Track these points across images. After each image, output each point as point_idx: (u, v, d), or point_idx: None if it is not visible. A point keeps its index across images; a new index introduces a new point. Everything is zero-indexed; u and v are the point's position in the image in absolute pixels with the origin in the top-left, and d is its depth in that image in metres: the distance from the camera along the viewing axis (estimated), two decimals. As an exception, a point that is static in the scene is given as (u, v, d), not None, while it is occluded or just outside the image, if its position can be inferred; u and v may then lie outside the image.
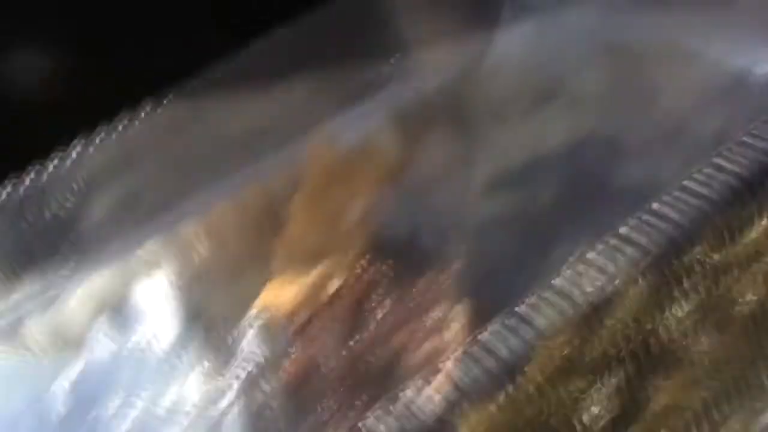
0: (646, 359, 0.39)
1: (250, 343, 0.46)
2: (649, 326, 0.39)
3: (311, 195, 0.50)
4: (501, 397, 0.35)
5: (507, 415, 0.36)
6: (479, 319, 0.42)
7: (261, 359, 0.45)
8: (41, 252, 0.52)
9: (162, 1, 0.64)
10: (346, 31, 0.56)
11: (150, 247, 0.51)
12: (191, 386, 0.46)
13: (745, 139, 0.40)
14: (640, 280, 0.39)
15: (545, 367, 0.38)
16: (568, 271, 0.37)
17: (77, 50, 0.63)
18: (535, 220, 0.47)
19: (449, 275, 0.44)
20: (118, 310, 0.50)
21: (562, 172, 0.49)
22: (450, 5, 0.61)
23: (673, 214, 0.38)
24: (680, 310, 0.40)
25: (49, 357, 0.49)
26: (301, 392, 0.43)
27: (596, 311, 0.38)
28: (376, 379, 0.42)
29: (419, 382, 0.36)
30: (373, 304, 0.44)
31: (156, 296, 0.50)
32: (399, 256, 0.46)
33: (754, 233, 0.41)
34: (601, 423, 0.38)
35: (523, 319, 0.36)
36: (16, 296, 0.50)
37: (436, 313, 0.43)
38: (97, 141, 0.52)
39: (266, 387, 0.44)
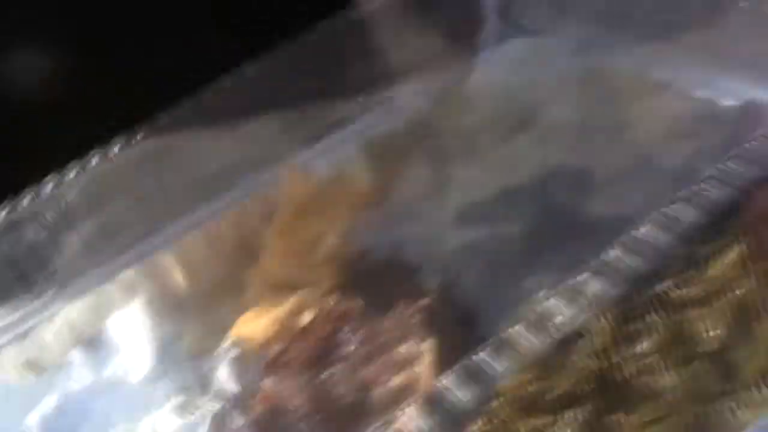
0: (610, 395, 0.39)
1: (223, 376, 0.46)
2: (613, 362, 0.40)
3: (284, 227, 0.51)
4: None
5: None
6: (448, 353, 0.42)
7: (233, 392, 0.45)
8: (17, 284, 0.52)
9: (162, 2, 0.64)
10: (318, 64, 0.56)
11: (125, 279, 0.52)
12: (165, 419, 0.46)
13: (712, 175, 0.40)
14: (604, 316, 0.39)
15: (512, 403, 0.38)
16: (536, 308, 0.37)
17: (77, 50, 0.63)
18: (505, 253, 0.47)
19: (419, 310, 0.44)
20: (93, 342, 0.50)
21: (533, 204, 0.50)
22: (426, 35, 0.61)
23: (639, 250, 0.38)
24: (644, 345, 0.40)
25: (24, 388, 0.50)
26: (271, 427, 0.43)
27: (562, 347, 0.38)
28: (344, 414, 0.42)
29: (387, 420, 0.36)
30: (343, 339, 0.44)
31: (131, 328, 0.50)
32: (370, 290, 0.46)
33: (717, 269, 0.41)
34: (567, 458, 0.38)
35: (491, 356, 0.36)
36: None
37: (405, 348, 0.43)
38: (71, 176, 0.52)
39: (238, 421, 0.44)
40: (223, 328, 0.48)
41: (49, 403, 0.48)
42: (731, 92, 0.50)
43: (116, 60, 0.63)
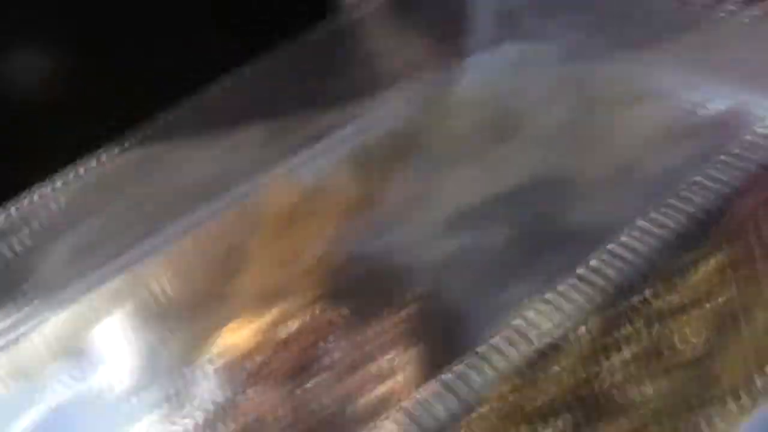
0: (591, 404, 0.39)
1: (206, 386, 0.46)
2: (594, 371, 0.40)
3: (269, 236, 0.51)
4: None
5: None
6: (432, 363, 0.42)
7: (217, 403, 0.45)
8: (3, 293, 0.52)
9: (162, 2, 0.64)
10: (303, 73, 0.56)
11: (110, 289, 0.52)
12: (148, 430, 0.46)
13: (694, 183, 0.41)
14: (585, 326, 0.40)
15: (492, 414, 0.38)
16: (518, 317, 0.37)
17: (77, 50, 0.63)
18: (490, 261, 0.47)
19: (403, 319, 0.44)
20: (78, 352, 0.50)
21: (518, 211, 0.50)
22: (413, 41, 0.61)
23: (621, 259, 0.38)
24: (625, 355, 0.40)
25: (9, 398, 0.50)
26: (255, 438, 0.43)
27: (543, 357, 0.38)
28: (327, 424, 0.42)
29: (369, 430, 0.37)
30: (326, 349, 0.44)
31: (116, 337, 0.50)
32: (354, 300, 0.46)
33: (697, 278, 0.41)
34: (548, 468, 0.38)
35: (473, 366, 0.36)
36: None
37: (388, 358, 0.43)
38: (59, 184, 0.52)
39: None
40: (208, 338, 0.48)
41: (32, 414, 0.48)
42: (714, 99, 0.50)
43: (112, 60, 0.63)
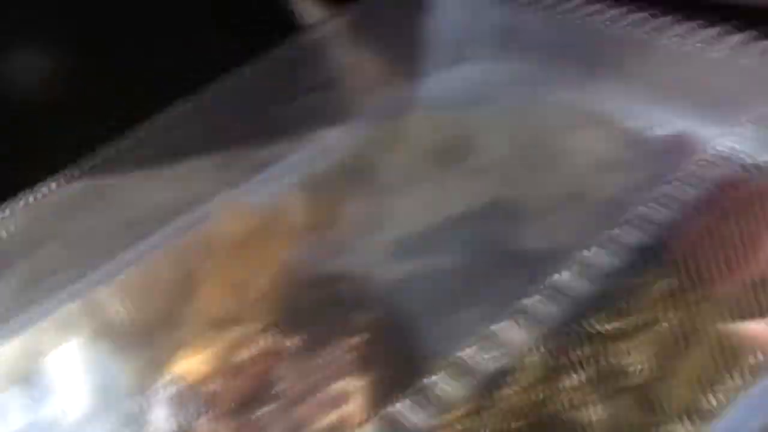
0: (542, 428, 0.39)
1: (159, 414, 0.46)
2: (543, 396, 0.40)
3: (221, 262, 0.51)
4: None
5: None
6: (383, 390, 0.43)
7: (171, 431, 0.45)
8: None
9: (162, 2, 0.64)
10: (258, 97, 0.56)
11: (63, 316, 0.52)
12: (101, 459, 0.46)
13: (642, 208, 0.41)
14: (535, 351, 0.40)
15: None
16: (467, 345, 0.37)
17: (77, 50, 0.63)
18: (442, 287, 0.48)
19: (354, 346, 0.44)
20: (31, 380, 0.50)
21: (469, 237, 0.50)
22: (367, 66, 0.62)
23: (570, 284, 0.39)
24: (574, 379, 0.40)
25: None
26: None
27: (494, 383, 0.39)
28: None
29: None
30: (278, 376, 0.44)
31: (69, 365, 0.50)
32: (306, 327, 0.46)
33: (645, 302, 0.42)
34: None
35: (424, 391, 0.36)
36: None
37: (339, 386, 0.43)
38: (8, 213, 0.52)
39: (174, 461, 0.44)
40: (161, 366, 0.48)
41: (-16, 445, 0.48)
42: (661, 124, 0.51)
43: (116, 60, 0.63)
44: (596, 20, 0.53)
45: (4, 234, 0.53)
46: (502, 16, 0.59)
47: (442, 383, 0.36)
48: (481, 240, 0.50)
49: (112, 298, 0.52)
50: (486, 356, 0.37)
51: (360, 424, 0.41)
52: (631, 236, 0.39)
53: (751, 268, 0.42)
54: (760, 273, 0.43)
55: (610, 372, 0.41)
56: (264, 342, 0.47)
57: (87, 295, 0.52)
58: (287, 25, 0.66)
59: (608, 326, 0.41)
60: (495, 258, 0.48)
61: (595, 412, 0.40)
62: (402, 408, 0.35)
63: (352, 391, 0.43)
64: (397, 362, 0.44)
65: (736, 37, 0.47)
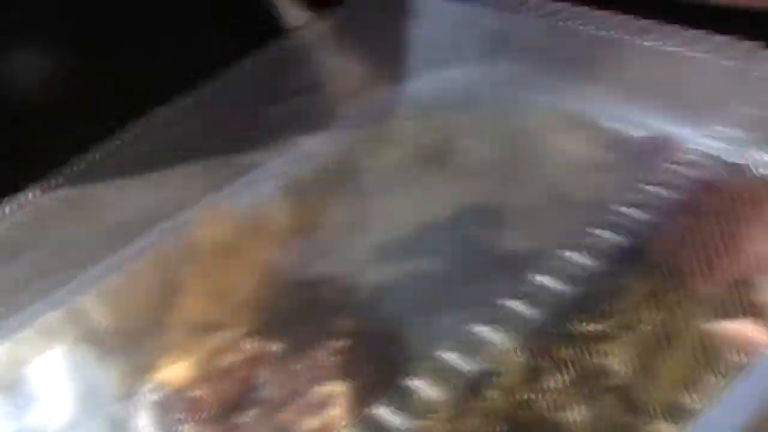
0: (524, 429, 0.40)
1: (143, 421, 0.46)
2: (523, 399, 0.40)
3: (204, 268, 0.51)
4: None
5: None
6: (365, 394, 0.43)
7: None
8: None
9: (162, 2, 0.64)
10: (241, 102, 0.56)
11: (45, 324, 0.52)
12: (85, 466, 0.46)
13: (621, 209, 0.41)
14: (517, 353, 0.40)
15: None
16: (450, 347, 0.38)
17: (77, 50, 0.63)
18: (424, 290, 0.48)
19: (336, 350, 0.44)
20: (14, 388, 0.50)
21: (450, 240, 0.50)
22: (350, 69, 0.62)
23: (551, 286, 0.39)
24: (556, 380, 0.41)
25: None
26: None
27: (476, 385, 0.39)
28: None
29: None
30: (260, 381, 0.45)
31: (52, 373, 0.50)
32: (288, 331, 0.46)
33: (625, 304, 0.42)
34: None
35: (407, 395, 0.36)
36: None
37: (320, 390, 0.43)
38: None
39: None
40: (145, 373, 0.48)
41: (-33, 454, 0.48)
42: (640, 126, 0.51)
43: (116, 60, 0.63)
44: (577, 23, 0.53)
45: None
46: (484, 21, 0.59)
47: (424, 386, 0.36)
48: (463, 243, 0.50)
49: (96, 305, 0.52)
50: (467, 358, 0.37)
51: (343, 428, 0.41)
52: (612, 238, 0.39)
53: (731, 269, 0.43)
54: (740, 273, 0.43)
55: (592, 373, 0.41)
56: (247, 347, 0.47)
57: (70, 302, 0.52)
58: (273, 29, 0.66)
59: (590, 327, 0.42)
60: (477, 260, 0.48)
61: (577, 413, 0.40)
62: (383, 411, 0.35)
63: (335, 395, 0.43)
64: (380, 366, 0.44)
65: (715, 39, 0.47)
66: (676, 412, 0.40)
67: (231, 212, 0.54)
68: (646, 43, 0.49)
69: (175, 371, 0.47)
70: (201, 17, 0.67)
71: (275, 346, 0.46)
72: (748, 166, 0.43)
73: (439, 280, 0.48)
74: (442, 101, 0.59)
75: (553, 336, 0.40)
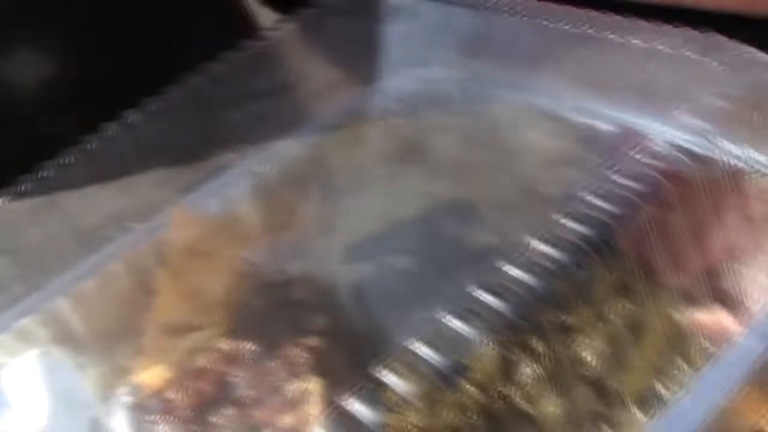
0: (493, 424, 0.40)
1: (119, 423, 0.46)
2: (497, 391, 0.40)
3: (176, 270, 0.51)
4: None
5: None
6: (340, 390, 0.43)
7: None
8: None
9: (129, 5, 0.64)
10: (210, 103, 0.56)
11: (19, 329, 0.52)
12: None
13: (589, 201, 0.41)
14: (489, 346, 0.40)
15: (401, 436, 0.38)
16: (422, 341, 0.38)
17: (41, 56, 0.63)
18: (395, 288, 0.48)
19: (306, 349, 0.44)
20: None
21: (420, 236, 0.50)
22: (320, 68, 0.62)
23: (521, 280, 0.39)
24: (529, 372, 0.41)
25: None
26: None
27: (449, 379, 0.39)
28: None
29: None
30: (234, 382, 0.45)
31: (27, 378, 0.50)
32: (260, 331, 0.46)
33: (596, 296, 0.42)
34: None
35: (380, 389, 0.37)
36: None
37: (293, 388, 0.43)
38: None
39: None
40: (119, 376, 0.48)
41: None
42: (607, 120, 0.52)
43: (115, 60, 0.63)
44: (542, 19, 0.53)
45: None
46: (456, 19, 0.60)
47: (398, 380, 0.36)
48: (434, 239, 0.50)
49: (70, 309, 0.52)
50: (441, 352, 0.37)
51: (317, 424, 0.41)
52: (580, 230, 0.40)
53: (699, 259, 0.43)
54: (709, 263, 0.43)
55: (564, 364, 0.41)
56: (221, 347, 0.47)
57: (45, 307, 0.52)
58: (245, 29, 0.66)
59: (561, 320, 0.42)
60: (448, 256, 0.49)
61: (551, 405, 0.40)
62: (357, 405, 0.35)
63: (310, 392, 0.43)
64: (353, 362, 0.44)
65: (677, 31, 0.47)
66: (648, 401, 0.41)
67: (203, 214, 0.54)
68: (613, 38, 0.49)
69: (151, 373, 0.47)
70: (171, 19, 0.67)
71: (249, 346, 0.46)
72: (714, 156, 0.43)
73: (411, 276, 0.48)
74: (413, 100, 0.60)
75: (525, 329, 0.40)
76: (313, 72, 0.62)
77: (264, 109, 0.57)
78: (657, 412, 0.40)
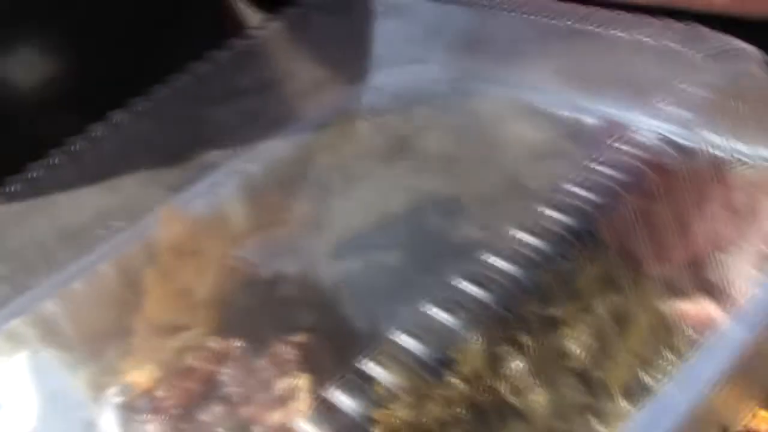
0: (481, 416, 0.40)
1: (108, 424, 0.46)
2: (484, 384, 0.41)
3: (164, 269, 0.51)
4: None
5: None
6: (326, 386, 0.43)
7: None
8: None
9: (115, 5, 0.64)
10: (197, 102, 0.56)
11: (9, 331, 0.52)
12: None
13: (572, 192, 0.41)
14: (475, 339, 0.40)
15: (387, 429, 0.39)
16: (408, 335, 0.38)
17: (29, 56, 0.63)
18: (382, 283, 0.48)
19: (294, 345, 0.45)
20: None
21: (407, 231, 0.50)
22: (307, 66, 0.62)
23: (506, 273, 0.39)
24: (515, 366, 0.41)
25: None
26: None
27: (436, 372, 0.39)
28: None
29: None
30: (222, 379, 0.45)
31: (17, 379, 0.50)
32: (248, 329, 0.46)
33: (580, 287, 0.42)
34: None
35: (367, 384, 0.37)
36: None
37: (282, 385, 0.43)
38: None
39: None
40: (109, 376, 0.48)
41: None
42: (591, 112, 0.52)
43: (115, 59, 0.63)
44: (527, 13, 0.53)
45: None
46: (438, 17, 0.60)
47: (384, 374, 0.36)
48: (420, 235, 0.50)
49: (59, 310, 0.52)
50: (428, 346, 0.37)
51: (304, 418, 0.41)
52: (562, 220, 0.40)
53: (682, 250, 0.43)
54: (692, 254, 0.43)
55: (550, 356, 0.41)
56: (210, 345, 0.47)
57: (34, 308, 0.52)
58: (231, 29, 0.66)
59: (546, 312, 0.42)
60: (436, 251, 0.49)
61: (537, 397, 0.40)
62: (340, 395, 0.35)
63: (298, 389, 0.43)
64: (342, 358, 0.44)
65: (662, 23, 0.48)
66: (634, 392, 0.41)
67: (190, 213, 0.54)
68: (596, 30, 0.49)
69: (140, 373, 0.48)
70: (156, 19, 0.67)
71: (238, 343, 0.46)
72: (698, 147, 0.44)
73: (399, 271, 0.48)
74: (400, 97, 0.60)
75: (511, 321, 0.40)
76: (300, 70, 0.62)
77: (251, 108, 0.57)
78: (642, 402, 0.40)
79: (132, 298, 0.51)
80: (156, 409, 0.45)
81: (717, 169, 0.44)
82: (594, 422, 0.40)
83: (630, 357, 0.41)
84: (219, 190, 0.56)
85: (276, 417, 0.42)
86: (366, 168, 0.55)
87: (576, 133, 0.52)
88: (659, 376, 0.41)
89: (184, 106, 0.56)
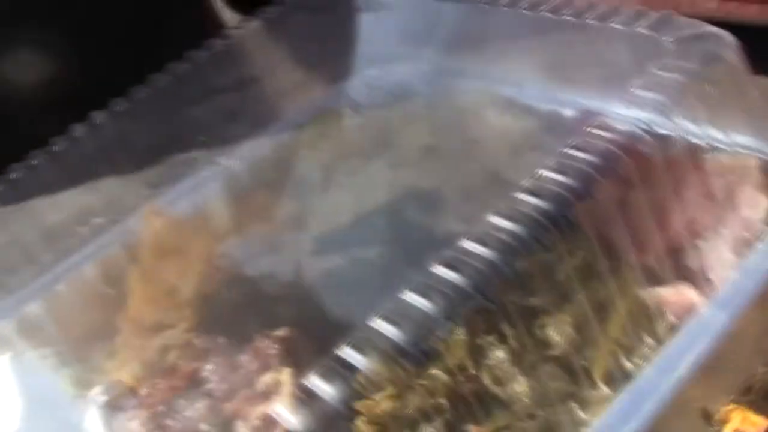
0: (463, 406, 0.40)
1: (94, 422, 0.46)
2: (466, 374, 0.41)
3: (147, 268, 0.51)
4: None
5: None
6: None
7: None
8: None
9: (94, 5, 0.64)
10: (177, 102, 0.57)
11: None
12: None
13: (544, 175, 0.41)
14: (457, 330, 0.40)
15: (371, 419, 0.39)
16: (392, 326, 0.38)
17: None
18: (362, 277, 0.48)
19: (277, 341, 0.45)
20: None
21: (388, 226, 0.51)
22: (288, 64, 0.62)
23: (487, 263, 0.39)
24: (497, 355, 0.41)
25: None
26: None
27: (418, 363, 0.39)
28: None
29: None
30: (206, 375, 0.45)
31: (2, 380, 0.50)
32: (231, 326, 0.47)
33: (560, 276, 0.42)
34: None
35: (350, 375, 0.37)
36: None
37: (265, 380, 0.43)
38: None
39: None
40: (94, 374, 0.48)
41: None
42: (571, 101, 0.52)
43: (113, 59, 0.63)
44: (503, 5, 0.53)
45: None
46: (415, 13, 0.60)
47: (366, 366, 0.36)
48: (402, 229, 0.50)
49: (42, 311, 0.52)
50: (409, 337, 0.37)
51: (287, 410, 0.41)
52: (538, 204, 0.40)
53: (660, 237, 0.43)
54: (670, 240, 0.44)
55: (532, 346, 0.41)
56: (193, 342, 0.47)
57: (19, 310, 0.52)
58: (211, 28, 0.66)
59: (527, 301, 0.42)
60: (416, 245, 0.49)
61: (520, 385, 0.41)
62: (322, 384, 0.35)
63: (281, 383, 0.43)
64: (324, 352, 0.44)
65: (632, 10, 0.48)
66: (616, 378, 0.41)
67: (173, 212, 0.54)
68: (569, 19, 0.49)
69: (124, 372, 0.48)
70: (136, 20, 0.67)
71: (220, 340, 0.46)
72: (672, 134, 0.44)
73: (380, 265, 0.48)
74: (379, 94, 0.60)
75: (492, 311, 0.41)
76: (281, 69, 0.62)
77: (232, 107, 0.57)
78: (622, 388, 0.40)
79: (115, 297, 0.51)
80: (140, 407, 0.45)
81: (693, 156, 0.44)
82: (576, 409, 0.40)
83: (611, 344, 0.42)
84: (201, 189, 0.56)
85: (260, 411, 0.42)
86: (347, 165, 0.55)
87: (554, 125, 0.52)
88: (640, 363, 0.41)
89: (165, 106, 0.56)
